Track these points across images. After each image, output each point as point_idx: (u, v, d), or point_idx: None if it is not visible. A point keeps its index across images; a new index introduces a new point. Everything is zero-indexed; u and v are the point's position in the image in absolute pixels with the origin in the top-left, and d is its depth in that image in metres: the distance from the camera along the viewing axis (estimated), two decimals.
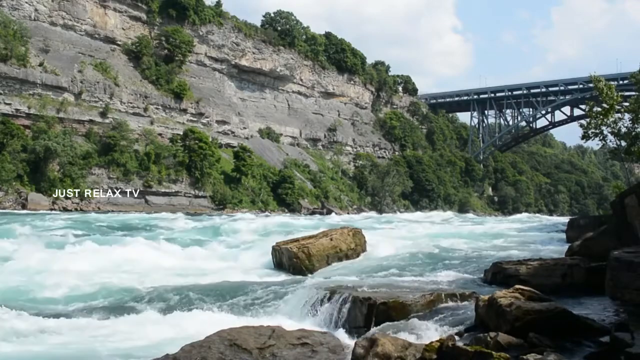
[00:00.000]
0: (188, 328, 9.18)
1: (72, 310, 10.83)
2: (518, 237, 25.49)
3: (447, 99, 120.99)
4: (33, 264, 14.74)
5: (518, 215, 76.75)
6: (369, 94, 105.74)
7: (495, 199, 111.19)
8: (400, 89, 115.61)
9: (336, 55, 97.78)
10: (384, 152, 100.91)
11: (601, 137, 25.26)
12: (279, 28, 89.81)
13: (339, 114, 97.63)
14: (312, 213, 67.61)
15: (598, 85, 24.69)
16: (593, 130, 25.14)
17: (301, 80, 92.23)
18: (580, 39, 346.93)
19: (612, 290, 8.15)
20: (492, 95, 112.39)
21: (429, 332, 8.04)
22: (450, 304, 9.39)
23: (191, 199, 63.38)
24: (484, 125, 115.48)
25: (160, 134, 65.03)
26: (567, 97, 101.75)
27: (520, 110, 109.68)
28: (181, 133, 66.08)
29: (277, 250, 15.41)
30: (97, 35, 65.93)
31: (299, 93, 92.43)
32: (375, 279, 12.22)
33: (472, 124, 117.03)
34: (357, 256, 16.13)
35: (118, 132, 58.54)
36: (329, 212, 71.00)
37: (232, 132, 78.33)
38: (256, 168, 72.46)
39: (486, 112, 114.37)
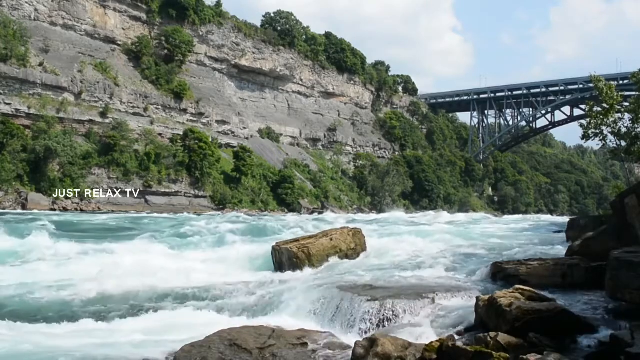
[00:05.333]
0: (188, 328, 9.18)
1: (80, 312, 10.85)
2: (518, 237, 25.46)
3: (447, 99, 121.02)
4: None
5: (519, 216, 76.50)
6: (369, 94, 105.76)
7: (495, 199, 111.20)
8: (400, 89, 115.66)
9: (336, 55, 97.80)
10: (384, 152, 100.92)
11: (601, 137, 25.23)
12: (279, 28, 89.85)
13: (339, 114, 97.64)
14: (312, 213, 67.64)
15: (598, 85, 24.66)
16: (593, 130, 25.10)
17: (301, 80, 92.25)
18: (578, 39, 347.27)
19: (612, 290, 8.15)
20: (492, 95, 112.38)
21: (429, 332, 8.05)
22: (450, 303, 9.39)
23: (191, 199, 63.36)
24: (484, 125, 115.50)
25: (160, 134, 65.02)
26: (567, 97, 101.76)
27: (520, 110, 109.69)
28: (181, 133, 66.08)
29: (277, 250, 15.40)
30: (97, 35, 65.94)
31: (299, 93, 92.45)
32: (375, 278, 12.22)
33: (472, 124, 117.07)
34: (357, 256, 16.13)
35: (118, 132, 58.53)
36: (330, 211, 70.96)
37: (232, 132, 78.34)
38: (256, 168, 72.45)
39: (486, 112, 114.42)
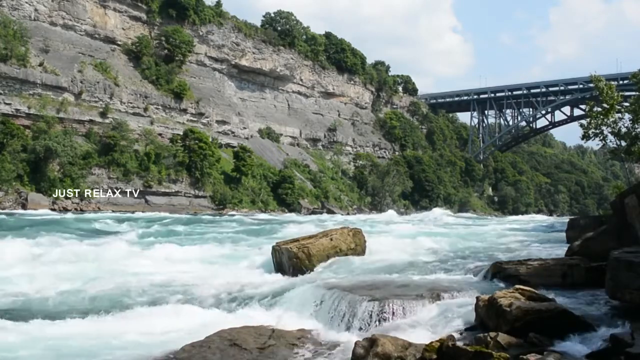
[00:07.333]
0: (188, 328, 9.18)
1: (72, 309, 10.84)
2: (518, 237, 25.47)
3: (447, 99, 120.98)
4: None
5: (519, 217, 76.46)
6: (369, 94, 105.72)
7: (495, 199, 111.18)
8: (400, 89, 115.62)
9: (336, 55, 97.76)
10: (384, 152, 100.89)
11: (601, 137, 25.27)
12: (279, 28, 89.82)
13: (339, 114, 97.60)
14: (312, 213, 67.65)
15: (598, 85, 24.69)
16: (593, 130, 25.14)
17: (301, 80, 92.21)
18: (578, 39, 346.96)
19: (612, 290, 8.15)
20: (492, 95, 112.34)
21: (429, 332, 8.05)
22: (450, 303, 9.39)
23: (191, 199, 63.33)
24: (484, 125, 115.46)
25: (160, 134, 64.98)
26: (567, 97, 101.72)
27: (520, 110, 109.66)
28: (181, 133, 66.03)
29: (277, 251, 15.39)
30: (97, 35, 65.91)
31: (299, 93, 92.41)
32: (375, 278, 12.22)
33: (472, 124, 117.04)
34: (358, 256, 16.12)
35: (118, 132, 58.50)
36: (330, 211, 71.00)
37: (232, 132, 78.30)
38: (256, 168, 72.42)
39: (486, 112, 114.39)
